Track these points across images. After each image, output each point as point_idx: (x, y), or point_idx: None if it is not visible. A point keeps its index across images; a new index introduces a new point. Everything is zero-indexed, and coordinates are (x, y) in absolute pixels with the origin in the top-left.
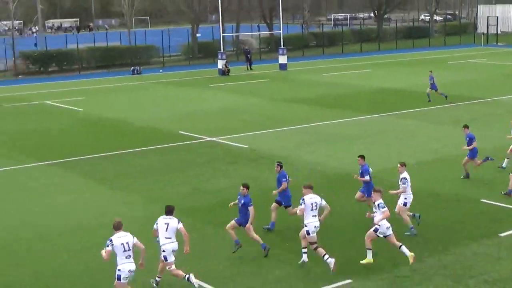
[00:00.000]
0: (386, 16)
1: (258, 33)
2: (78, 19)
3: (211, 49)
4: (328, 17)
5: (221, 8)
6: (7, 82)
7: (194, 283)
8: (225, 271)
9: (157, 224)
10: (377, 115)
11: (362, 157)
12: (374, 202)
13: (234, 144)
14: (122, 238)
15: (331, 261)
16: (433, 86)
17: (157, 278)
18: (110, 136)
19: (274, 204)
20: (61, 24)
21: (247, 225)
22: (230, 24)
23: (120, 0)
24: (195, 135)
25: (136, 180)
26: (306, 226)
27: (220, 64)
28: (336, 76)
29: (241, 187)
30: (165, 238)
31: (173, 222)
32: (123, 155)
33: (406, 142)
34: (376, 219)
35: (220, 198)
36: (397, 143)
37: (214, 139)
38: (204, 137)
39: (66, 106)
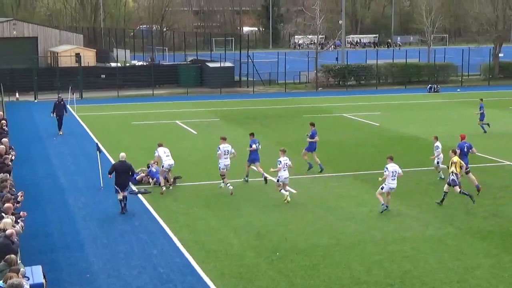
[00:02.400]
0: None
1: None
2: (377, 35)
3: None
4: None
5: None
6: (308, 94)
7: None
8: None
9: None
10: None
11: None
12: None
13: None
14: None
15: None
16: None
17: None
18: (405, 152)
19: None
20: (360, 40)
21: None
22: None
23: (422, 18)
24: (493, 158)
25: (432, 198)
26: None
27: None
28: None
29: None
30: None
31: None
32: (415, 172)
33: None
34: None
35: None
36: None
37: None
38: (503, 160)
39: (363, 120)
